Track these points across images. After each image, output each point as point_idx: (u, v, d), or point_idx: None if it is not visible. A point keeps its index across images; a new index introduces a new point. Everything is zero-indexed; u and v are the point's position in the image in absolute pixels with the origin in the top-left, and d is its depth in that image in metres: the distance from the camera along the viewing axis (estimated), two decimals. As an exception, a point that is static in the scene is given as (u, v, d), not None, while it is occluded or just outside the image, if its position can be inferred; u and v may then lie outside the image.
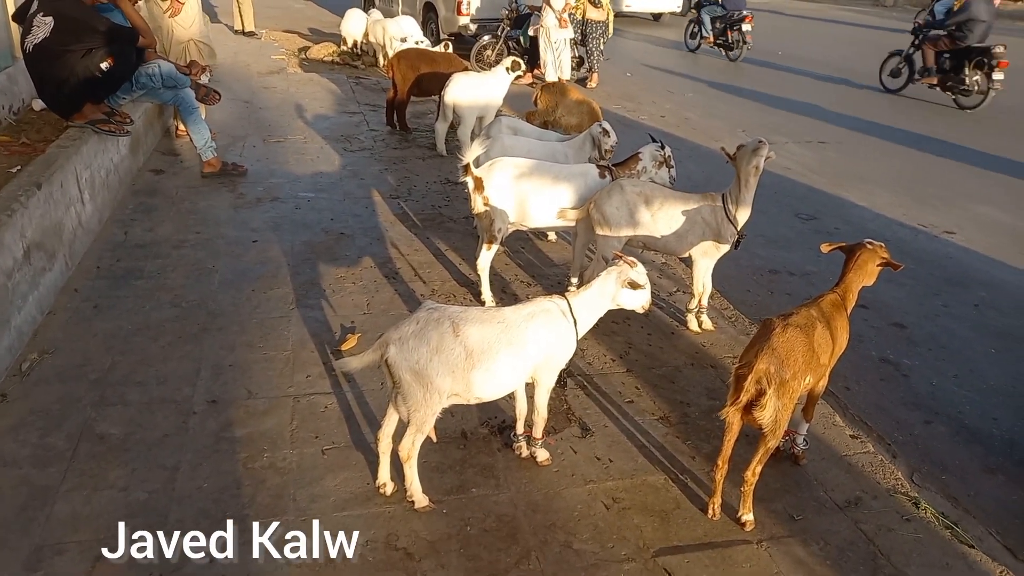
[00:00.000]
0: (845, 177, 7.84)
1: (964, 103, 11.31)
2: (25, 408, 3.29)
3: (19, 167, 4.53)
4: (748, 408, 2.67)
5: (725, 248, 4.10)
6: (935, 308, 5.18)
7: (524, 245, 5.37)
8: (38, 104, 5.73)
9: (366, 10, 12.93)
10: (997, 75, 10.73)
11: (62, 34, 4.82)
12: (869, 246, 3.02)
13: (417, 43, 9.79)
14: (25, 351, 3.65)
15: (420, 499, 2.84)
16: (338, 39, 12.42)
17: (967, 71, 11.06)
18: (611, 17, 11.46)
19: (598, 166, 4.41)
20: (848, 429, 3.57)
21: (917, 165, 8.67)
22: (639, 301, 2.99)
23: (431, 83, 7.66)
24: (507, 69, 7.17)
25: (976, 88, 11.05)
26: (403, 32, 10.32)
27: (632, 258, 2.99)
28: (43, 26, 4.82)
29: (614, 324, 4.29)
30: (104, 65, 4.97)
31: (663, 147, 4.57)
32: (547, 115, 6.82)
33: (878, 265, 3.00)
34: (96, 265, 4.60)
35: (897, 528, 2.95)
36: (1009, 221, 6.90)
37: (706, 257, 4.13)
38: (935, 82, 11.55)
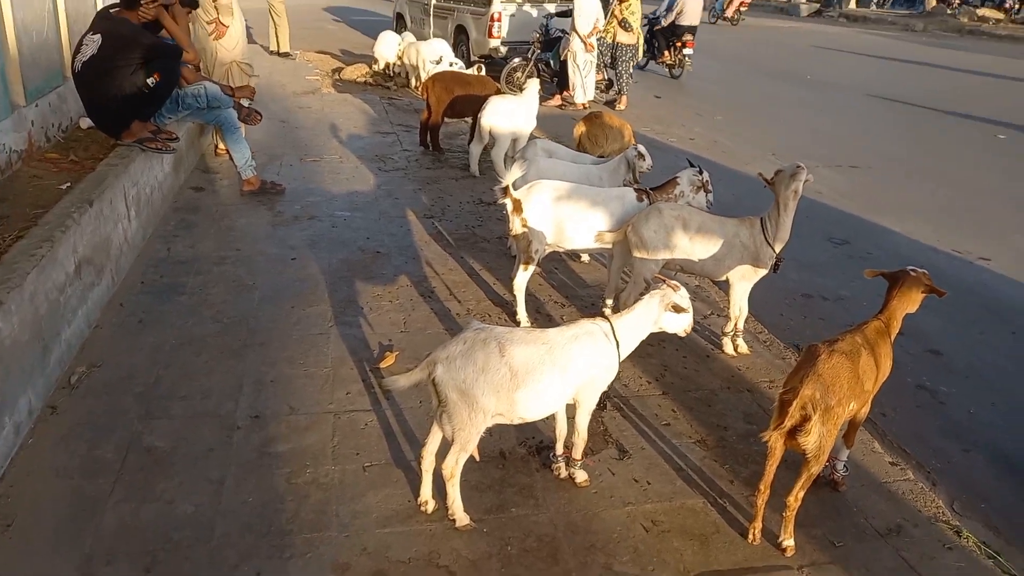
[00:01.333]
0: (877, 202, 7.81)
1: None
2: (74, 420, 3.37)
3: (68, 184, 4.67)
4: (792, 433, 2.67)
5: (763, 272, 4.11)
6: (972, 336, 5.14)
7: (558, 266, 5.41)
8: (86, 122, 5.89)
9: (398, 32, 13.14)
10: None
11: (109, 51, 4.96)
12: (913, 273, 3.02)
13: (451, 64, 9.93)
14: (73, 364, 3.74)
15: (462, 517, 2.87)
16: (370, 60, 12.63)
17: None
18: (641, 41, 11.54)
19: (636, 189, 4.44)
20: (887, 456, 3.55)
21: (950, 190, 8.61)
22: (682, 324, 3.01)
23: (465, 105, 7.77)
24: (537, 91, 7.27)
25: None
26: (437, 54, 10.48)
27: (675, 282, 3.02)
28: (91, 44, 4.97)
29: (649, 347, 4.29)
30: (151, 81, 5.09)
31: (701, 171, 4.60)
32: (592, 148, 6.77)
33: (922, 292, 3.00)
34: (140, 280, 4.70)
35: (939, 557, 2.92)
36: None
37: (743, 281, 4.15)
38: None
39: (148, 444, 3.24)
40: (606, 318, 2.95)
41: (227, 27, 6.68)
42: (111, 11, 5.15)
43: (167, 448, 3.22)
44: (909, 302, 3.00)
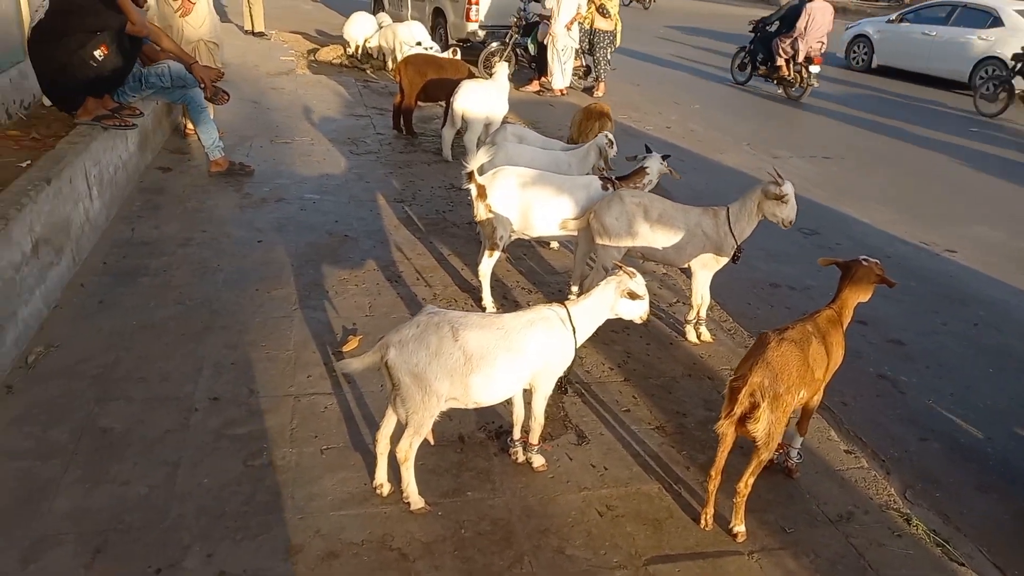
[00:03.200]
0: (848, 192, 7.88)
1: None
2: (29, 400, 3.33)
3: (29, 162, 4.58)
4: (742, 421, 2.70)
5: (724, 261, 4.14)
6: (934, 326, 5.22)
7: (526, 252, 5.41)
8: (48, 100, 5.78)
9: (375, 13, 13.00)
10: None
11: (54, 17, 4.86)
12: (865, 263, 3.06)
13: (428, 49, 9.86)
14: (31, 344, 3.70)
15: (416, 501, 2.87)
16: (346, 41, 12.50)
17: None
18: (619, 28, 11.51)
19: (601, 178, 4.45)
20: (843, 444, 3.60)
21: (921, 181, 8.71)
22: (638, 311, 3.03)
23: (438, 89, 7.72)
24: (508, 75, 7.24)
25: None
26: (414, 37, 10.40)
27: (631, 268, 3.03)
28: (42, 10, 4.88)
29: (613, 333, 4.33)
30: (97, 54, 4.94)
31: (666, 157, 4.62)
32: (580, 137, 6.62)
33: (873, 282, 3.03)
34: (103, 261, 4.64)
35: (888, 543, 2.97)
36: (1008, 240, 6.93)
37: (705, 269, 4.17)
38: None
39: (104, 426, 3.21)
40: (562, 304, 2.95)
41: (193, 4, 6.56)
42: None
43: (123, 430, 3.20)
44: (861, 291, 3.04)
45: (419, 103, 8.01)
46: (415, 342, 2.67)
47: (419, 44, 10.04)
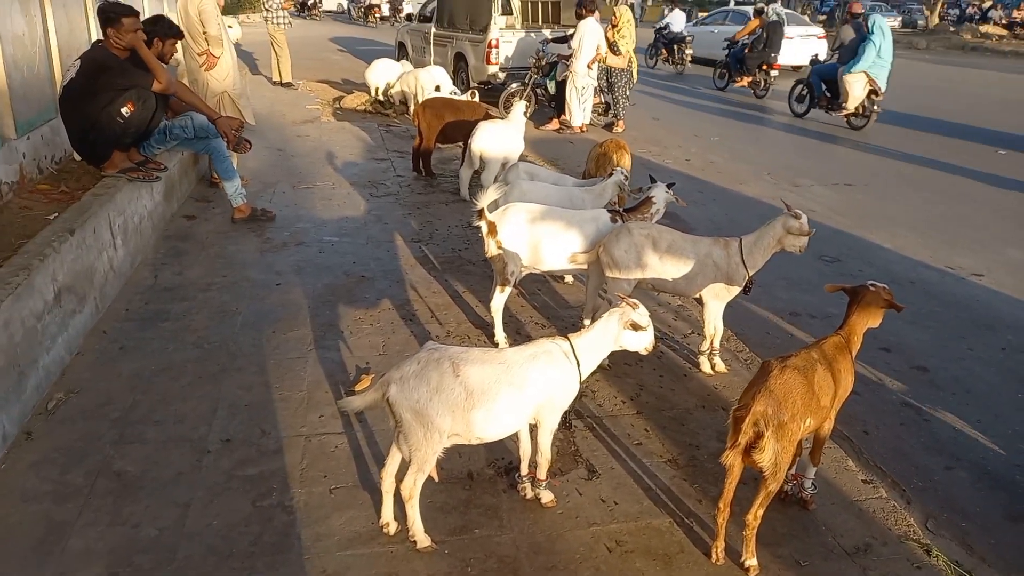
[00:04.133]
0: (871, 219, 7.79)
1: None
2: (49, 445, 3.40)
3: (56, 214, 4.75)
4: (748, 451, 2.66)
5: (736, 291, 4.11)
6: (960, 352, 5.09)
7: (541, 287, 5.43)
8: (78, 155, 6.00)
9: (399, 60, 13.33)
10: None
11: (84, 77, 5.06)
12: (872, 288, 3.02)
13: (451, 93, 10.07)
14: (52, 390, 3.79)
15: (422, 539, 2.86)
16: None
17: None
18: (635, 65, 11.64)
19: (609, 211, 4.47)
20: (861, 474, 3.51)
21: (947, 205, 8.58)
22: (642, 343, 3.01)
23: (455, 130, 7.86)
24: (524, 113, 7.34)
25: None
26: (435, 81, 10.63)
27: (635, 300, 3.02)
28: (72, 70, 5.09)
29: (626, 366, 4.30)
30: (124, 111, 5.17)
31: (671, 185, 4.64)
32: (597, 172, 6.60)
33: (882, 307, 2.99)
34: (125, 308, 4.76)
35: (906, 575, 2.88)
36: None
37: (716, 299, 4.15)
38: None
39: (118, 468, 3.27)
40: (565, 337, 2.95)
41: (217, 58, 6.80)
42: (98, 42, 5.27)
43: (137, 473, 3.25)
44: (869, 317, 2.99)
45: (438, 145, 8.15)
46: (415, 378, 2.68)
47: (438, 88, 10.26)
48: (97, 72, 5.10)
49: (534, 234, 4.26)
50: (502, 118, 8.19)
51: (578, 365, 2.92)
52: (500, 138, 7.11)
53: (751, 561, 2.81)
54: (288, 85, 13.96)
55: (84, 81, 5.08)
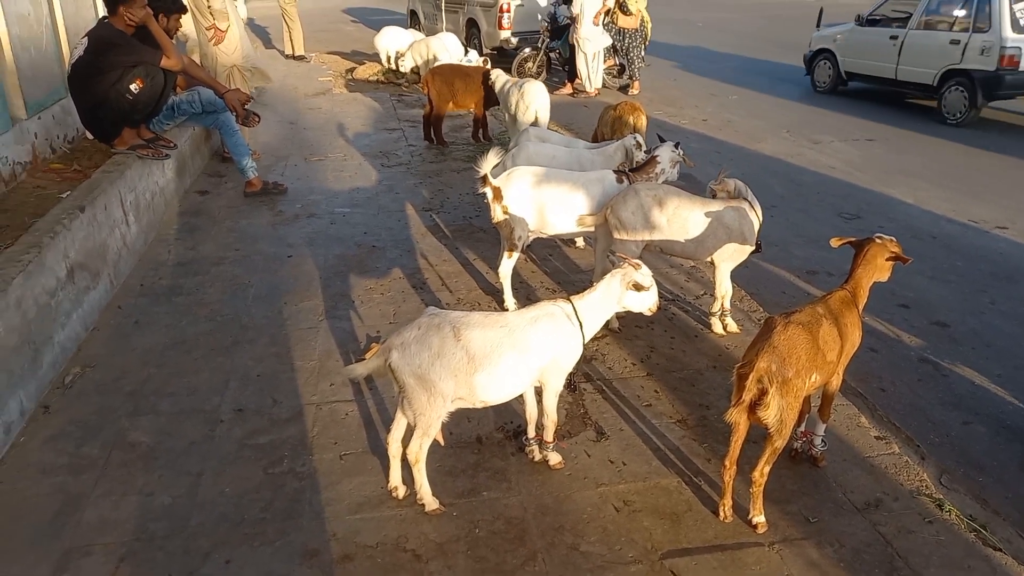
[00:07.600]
0: (892, 174, 7.63)
1: None
2: (65, 419, 3.46)
3: (69, 193, 4.79)
4: (753, 408, 2.63)
5: (747, 252, 4.04)
6: (981, 305, 5.00)
7: (552, 252, 5.39)
8: (88, 132, 6.04)
9: (410, 28, 13.21)
10: None
11: (92, 55, 5.06)
12: (878, 240, 2.95)
13: (461, 60, 9.96)
14: (68, 365, 3.85)
15: (430, 502, 2.88)
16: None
17: None
18: (649, 24, 11.43)
19: (615, 171, 4.41)
20: (874, 430, 3.47)
21: (970, 158, 8.37)
22: (645, 303, 2.99)
23: (466, 96, 7.78)
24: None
25: None
26: (447, 49, 10.52)
27: (637, 260, 2.99)
28: (79, 47, 5.09)
29: (637, 328, 4.28)
30: (133, 87, 5.16)
31: (678, 146, 4.55)
32: (611, 134, 6.53)
33: (888, 259, 2.92)
34: (139, 283, 4.81)
35: (918, 530, 2.85)
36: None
37: (727, 262, 4.09)
38: None
39: (133, 440, 3.32)
40: (568, 299, 2.93)
41: (224, 32, 6.78)
42: (104, 18, 5.26)
43: (151, 443, 3.30)
44: (875, 270, 2.93)
45: (448, 112, 8.08)
46: (417, 344, 2.68)
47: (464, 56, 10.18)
48: (105, 49, 5.09)
49: (539, 197, 4.22)
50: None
51: (581, 327, 2.90)
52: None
53: (759, 518, 2.80)
54: (300, 58, 13.89)
55: (92, 59, 5.09)
